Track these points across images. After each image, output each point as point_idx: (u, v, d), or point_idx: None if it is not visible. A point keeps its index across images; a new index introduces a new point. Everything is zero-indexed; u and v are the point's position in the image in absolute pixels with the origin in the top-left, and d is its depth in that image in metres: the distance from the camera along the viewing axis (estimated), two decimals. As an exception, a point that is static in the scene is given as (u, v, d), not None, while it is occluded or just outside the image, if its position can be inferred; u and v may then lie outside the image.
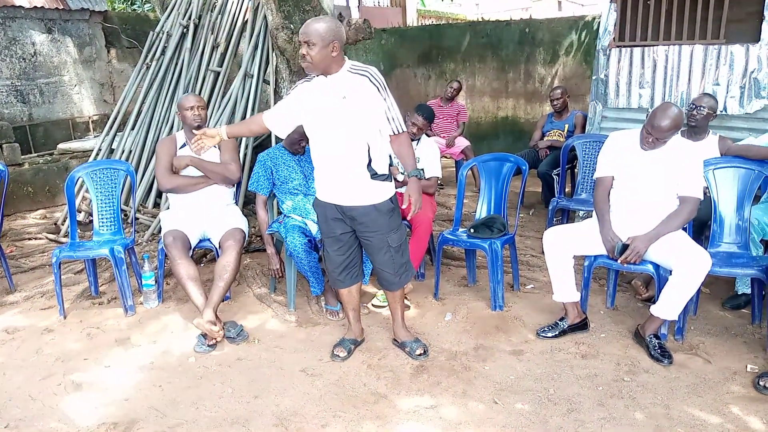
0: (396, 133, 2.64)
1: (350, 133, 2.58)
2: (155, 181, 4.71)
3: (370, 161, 2.63)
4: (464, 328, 3.29)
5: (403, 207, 2.73)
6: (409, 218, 2.80)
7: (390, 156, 2.83)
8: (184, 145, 3.55)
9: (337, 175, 2.68)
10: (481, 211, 3.82)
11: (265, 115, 2.85)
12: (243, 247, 3.41)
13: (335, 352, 2.98)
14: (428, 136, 3.94)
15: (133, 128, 5.43)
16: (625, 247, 2.94)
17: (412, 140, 3.79)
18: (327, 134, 2.62)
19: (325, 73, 2.54)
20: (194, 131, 3.49)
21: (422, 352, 2.98)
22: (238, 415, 2.54)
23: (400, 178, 3.16)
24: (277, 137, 4.82)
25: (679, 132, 3.03)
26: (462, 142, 6.43)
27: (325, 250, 2.92)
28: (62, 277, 3.60)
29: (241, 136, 2.85)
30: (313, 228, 3.41)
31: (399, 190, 3.32)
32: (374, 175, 2.65)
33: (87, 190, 4.74)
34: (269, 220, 3.65)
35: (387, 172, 2.72)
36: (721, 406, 2.51)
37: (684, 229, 3.05)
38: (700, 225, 3.45)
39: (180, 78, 5.34)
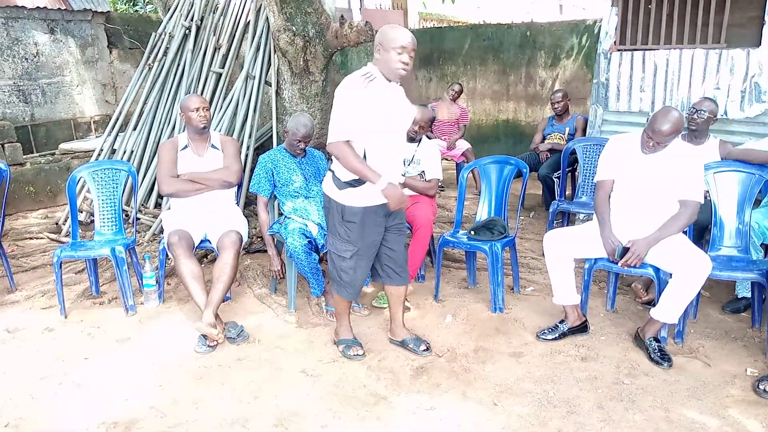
0: None
1: (407, 133, 2.85)
2: (156, 181, 4.72)
3: None
4: (464, 330, 3.30)
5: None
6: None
7: None
8: (185, 147, 3.56)
9: (392, 172, 2.75)
10: (482, 214, 3.82)
11: (349, 137, 2.60)
12: (241, 247, 3.41)
13: (354, 353, 2.98)
14: (429, 138, 3.95)
15: (134, 129, 5.44)
16: (625, 250, 2.94)
17: (413, 141, 3.82)
18: (394, 135, 2.73)
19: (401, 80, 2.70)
20: (199, 132, 3.49)
21: (426, 348, 3.01)
22: (238, 415, 2.55)
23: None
24: (278, 139, 4.86)
25: (680, 136, 3.03)
26: (463, 145, 6.44)
27: (359, 261, 2.80)
28: (63, 276, 3.61)
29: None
30: (314, 229, 3.42)
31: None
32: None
33: (88, 190, 4.75)
34: (270, 221, 3.66)
35: (408, 174, 2.99)
36: (720, 409, 2.51)
37: (684, 232, 3.05)
38: (701, 229, 3.45)
39: (182, 79, 5.35)
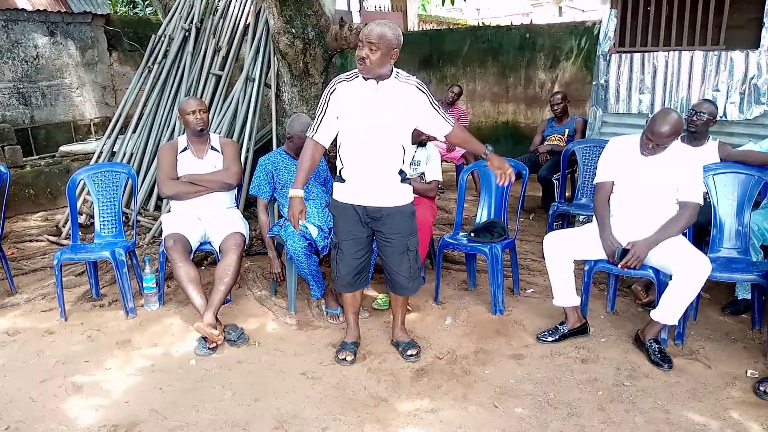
0: (452, 125, 2.83)
1: (393, 138, 2.67)
2: (156, 184, 4.72)
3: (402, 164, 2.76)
4: (464, 332, 3.29)
5: (500, 182, 2.93)
6: (503, 183, 2.97)
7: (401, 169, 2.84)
8: (185, 149, 3.56)
9: (370, 177, 2.71)
10: (482, 216, 3.83)
11: (315, 137, 2.74)
12: (243, 250, 3.42)
13: (342, 357, 2.97)
14: (429, 139, 3.96)
15: (134, 131, 5.44)
16: (625, 251, 2.94)
17: (420, 145, 3.84)
18: (370, 137, 2.64)
19: (377, 78, 2.58)
20: (198, 134, 3.50)
21: (414, 353, 2.99)
22: (239, 418, 2.55)
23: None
24: (278, 141, 4.86)
25: (679, 137, 3.04)
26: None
27: (340, 254, 2.86)
28: (63, 279, 3.61)
29: (309, 174, 2.84)
30: (314, 232, 3.42)
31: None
32: (404, 179, 2.77)
33: (88, 193, 4.75)
34: (270, 223, 3.66)
35: (409, 176, 2.84)
36: (720, 411, 2.51)
37: (684, 234, 3.05)
38: (700, 230, 3.45)
39: (182, 81, 5.36)
